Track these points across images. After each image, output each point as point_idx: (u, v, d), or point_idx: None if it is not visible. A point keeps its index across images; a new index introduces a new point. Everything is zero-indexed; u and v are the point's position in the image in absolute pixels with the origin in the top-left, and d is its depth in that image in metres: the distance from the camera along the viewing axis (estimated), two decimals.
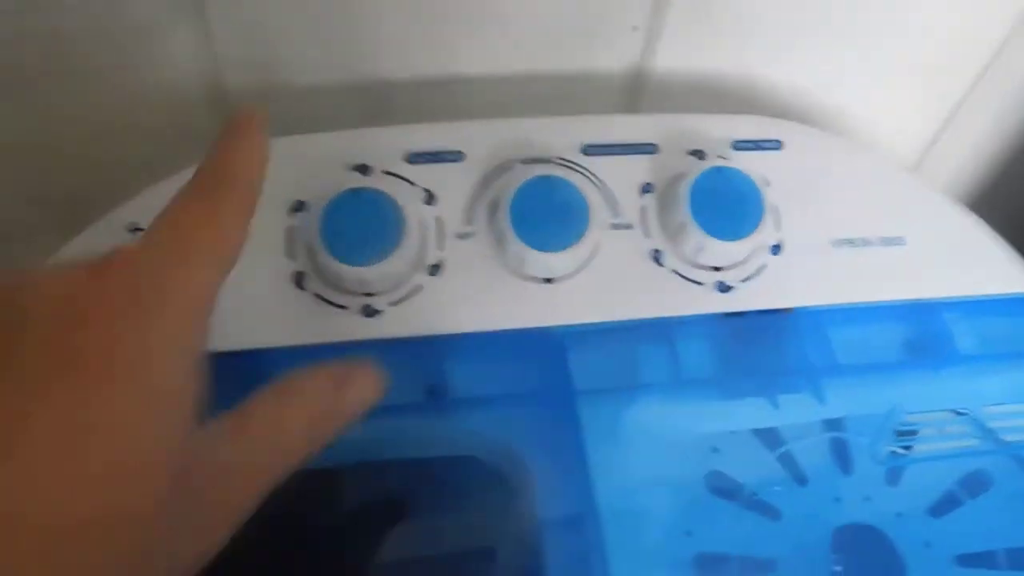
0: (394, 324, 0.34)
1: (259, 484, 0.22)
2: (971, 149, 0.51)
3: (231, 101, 0.40)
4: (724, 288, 0.36)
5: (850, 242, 0.38)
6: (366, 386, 0.25)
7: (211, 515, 0.21)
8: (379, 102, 0.41)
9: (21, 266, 0.36)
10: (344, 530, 0.34)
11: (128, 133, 0.41)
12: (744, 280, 0.37)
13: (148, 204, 0.35)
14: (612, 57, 0.42)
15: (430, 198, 0.36)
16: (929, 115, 0.49)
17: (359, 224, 0.33)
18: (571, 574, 0.32)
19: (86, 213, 0.35)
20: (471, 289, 0.35)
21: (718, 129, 0.38)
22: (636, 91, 0.44)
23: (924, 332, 0.39)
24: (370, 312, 0.34)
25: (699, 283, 0.36)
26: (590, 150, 0.37)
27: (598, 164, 0.37)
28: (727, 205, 0.36)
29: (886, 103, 0.47)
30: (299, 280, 0.34)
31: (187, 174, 0.33)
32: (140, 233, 0.33)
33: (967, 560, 0.36)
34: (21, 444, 0.16)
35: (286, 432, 0.23)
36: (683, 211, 0.35)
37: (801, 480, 0.37)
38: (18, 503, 0.16)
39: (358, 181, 0.35)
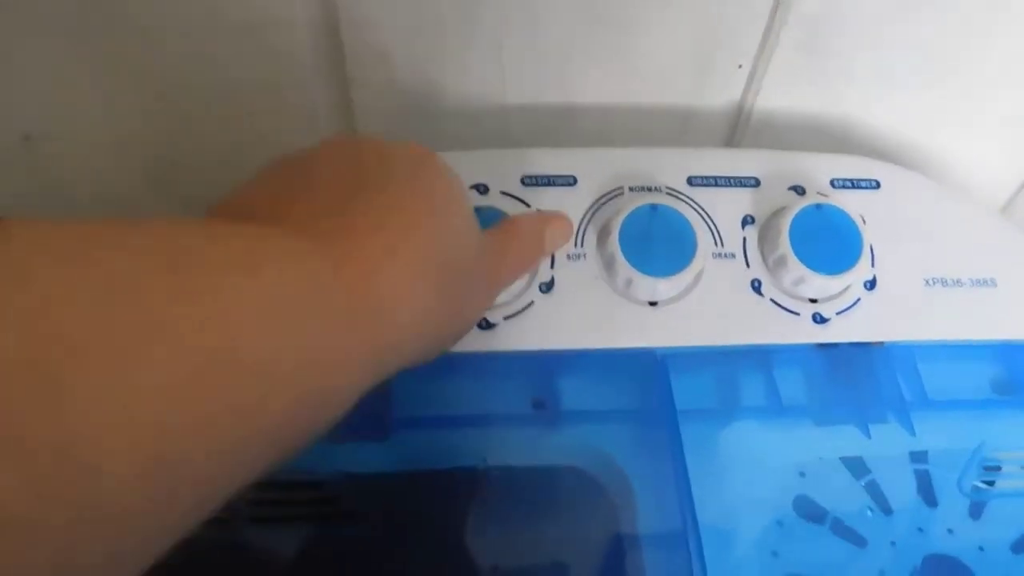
0: (507, 337, 0.36)
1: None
2: None
3: (359, 118, 0.43)
4: (820, 320, 0.38)
5: (942, 281, 0.39)
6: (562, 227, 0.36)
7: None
8: (500, 125, 0.43)
9: None
10: (451, 531, 0.36)
11: (257, 146, 0.43)
12: (839, 313, 0.38)
13: None
14: (717, 93, 0.43)
15: None
16: (1020, 158, 0.50)
17: None
18: None
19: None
20: (580, 308, 0.36)
21: (818, 167, 0.40)
22: (738, 126, 0.45)
23: (1013, 372, 0.40)
24: (485, 325, 0.36)
25: (796, 313, 0.38)
26: (695, 181, 0.39)
27: (702, 195, 0.39)
28: (826, 241, 0.37)
29: (980, 144, 0.48)
30: None
31: None
32: None
33: None
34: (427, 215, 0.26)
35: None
36: (784, 245, 0.37)
37: (886, 509, 0.38)
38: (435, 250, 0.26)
39: (477, 200, 0.37)
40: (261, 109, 0.41)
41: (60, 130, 0.41)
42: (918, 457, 0.39)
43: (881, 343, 0.38)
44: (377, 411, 0.35)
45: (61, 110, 0.40)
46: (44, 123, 0.40)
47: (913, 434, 0.38)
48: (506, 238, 0.33)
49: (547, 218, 0.35)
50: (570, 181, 0.38)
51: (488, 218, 0.36)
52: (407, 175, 0.27)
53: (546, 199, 0.38)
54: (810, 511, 0.38)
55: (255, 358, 0.19)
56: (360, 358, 0.23)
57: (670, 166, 0.39)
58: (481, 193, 0.38)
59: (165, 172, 0.44)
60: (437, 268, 0.26)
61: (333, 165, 0.27)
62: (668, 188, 0.39)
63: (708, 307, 0.37)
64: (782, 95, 0.44)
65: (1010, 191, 0.51)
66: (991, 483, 0.39)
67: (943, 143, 0.48)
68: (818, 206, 0.38)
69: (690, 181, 0.39)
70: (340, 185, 0.26)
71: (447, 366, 0.36)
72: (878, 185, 0.40)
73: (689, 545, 0.33)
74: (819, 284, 0.37)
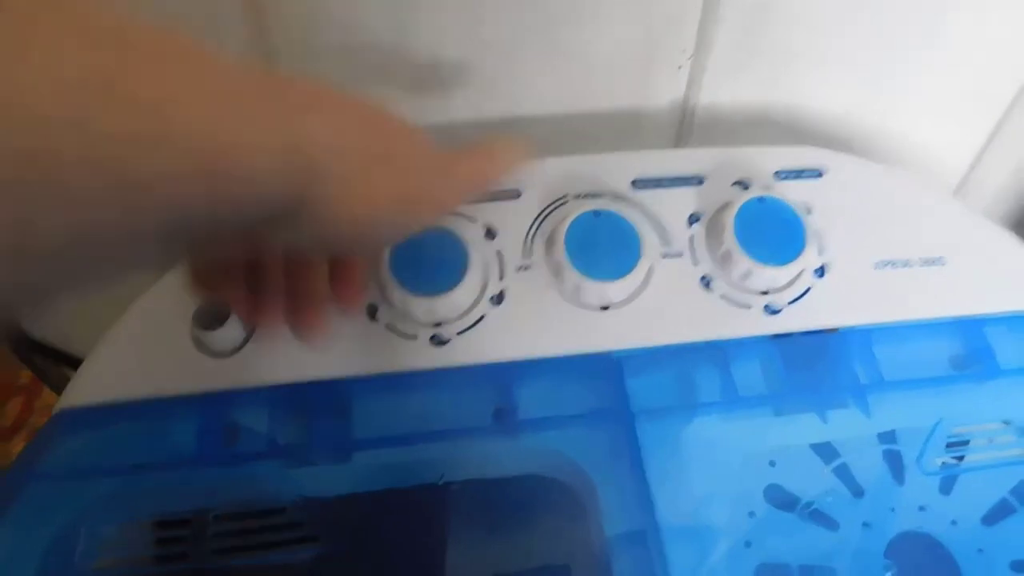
0: (461, 352, 0.36)
1: None
2: (1013, 168, 0.53)
3: None
4: (772, 311, 0.38)
5: (891, 263, 0.39)
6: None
7: None
8: (444, 141, 0.44)
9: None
10: (419, 549, 0.37)
11: None
12: (791, 302, 0.38)
13: None
14: (661, 93, 0.44)
15: (490, 233, 0.38)
16: (970, 138, 0.50)
17: (426, 259, 0.36)
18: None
19: None
20: (532, 317, 0.37)
21: (761, 160, 0.41)
22: (684, 125, 0.46)
23: (967, 347, 0.40)
24: (439, 341, 0.36)
25: (748, 307, 0.38)
26: (639, 184, 0.40)
27: (647, 197, 0.39)
28: (770, 232, 0.38)
29: (928, 128, 0.49)
30: (372, 312, 0.37)
31: None
32: None
33: (1021, 566, 0.37)
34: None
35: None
36: (729, 239, 0.37)
37: (857, 491, 0.38)
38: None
39: None
40: None
41: None
42: (886, 438, 0.40)
43: (835, 329, 0.39)
44: (338, 433, 0.36)
45: None
46: None
47: (871, 416, 0.38)
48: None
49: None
50: (514, 194, 0.39)
51: (436, 238, 0.37)
52: None
53: (491, 213, 0.38)
54: (782, 499, 0.38)
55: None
56: (274, 122, 0.23)
57: (614, 171, 0.40)
58: None
59: None
60: (362, 120, 0.27)
61: None
62: (613, 193, 0.39)
63: (659, 307, 0.38)
64: (725, 90, 0.44)
65: (961, 173, 0.51)
66: (960, 458, 0.40)
67: (893, 129, 0.48)
68: (761, 199, 0.38)
69: (635, 184, 0.40)
70: None
71: (406, 384, 0.36)
72: (822, 174, 0.41)
73: (649, 544, 0.34)
74: (767, 276, 0.38)
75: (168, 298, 0.37)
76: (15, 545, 0.32)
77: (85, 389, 0.35)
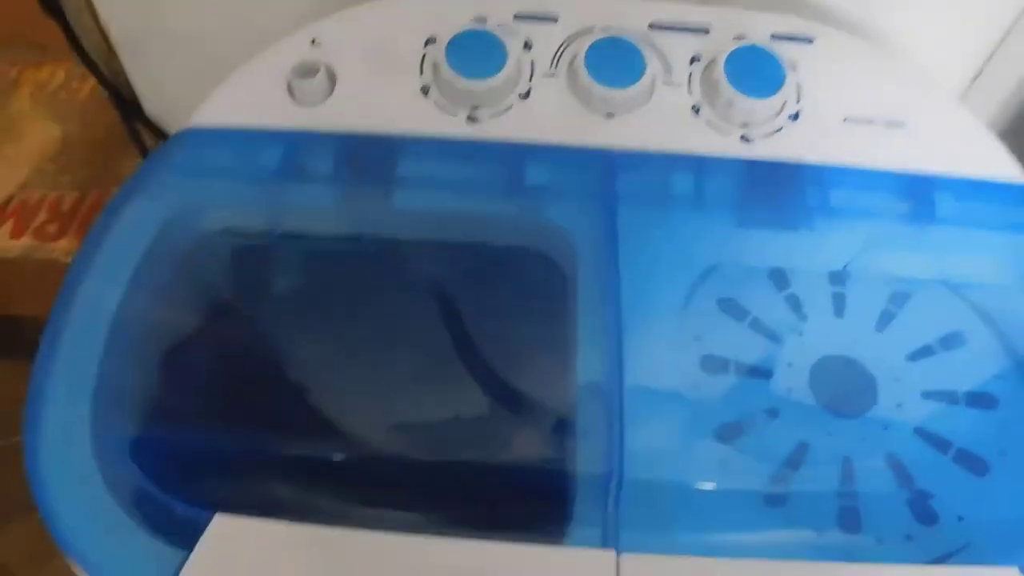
0: (489, 129, 0.46)
1: None
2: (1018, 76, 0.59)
3: None
4: (747, 140, 0.46)
5: (858, 120, 0.47)
6: None
7: None
8: None
9: None
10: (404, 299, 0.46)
11: None
12: (765, 136, 0.46)
13: None
14: None
15: (527, 45, 0.47)
16: (976, 43, 0.56)
17: (474, 53, 0.46)
18: (593, 346, 0.42)
19: None
20: (550, 114, 0.46)
21: (762, 22, 0.48)
22: None
23: (914, 199, 0.47)
24: (472, 120, 0.46)
25: (728, 134, 0.46)
26: (655, 26, 0.48)
27: (660, 37, 0.48)
28: (756, 74, 0.46)
29: (935, 30, 0.55)
30: (425, 90, 0.46)
31: None
32: None
33: (929, 395, 0.44)
34: None
35: None
36: (718, 72, 0.46)
37: (801, 316, 0.46)
38: None
39: (477, 27, 0.47)
40: None
41: None
42: (836, 278, 0.47)
43: (799, 163, 0.46)
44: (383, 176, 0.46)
45: None
46: None
47: (816, 241, 0.46)
48: None
49: None
50: (553, 17, 0.48)
51: (484, 38, 0.46)
52: None
53: (531, 30, 0.47)
54: (733, 310, 0.46)
55: None
56: None
57: (637, 13, 0.48)
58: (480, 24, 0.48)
59: None
60: None
61: None
62: (633, 29, 0.48)
63: (654, 122, 0.46)
64: None
65: (967, 77, 0.57)
66: (904, 300, 0.47)
67: (901, 26, 0.54)
68: (753, 47, 0.46)
69: (651, 26, 0.48)
70: None
71: (441, 149, 0.46)
72: (812, 40, 0.48)
73: (610, 328, 0.41)
74: (747, 107, 0.46)
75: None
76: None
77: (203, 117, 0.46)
